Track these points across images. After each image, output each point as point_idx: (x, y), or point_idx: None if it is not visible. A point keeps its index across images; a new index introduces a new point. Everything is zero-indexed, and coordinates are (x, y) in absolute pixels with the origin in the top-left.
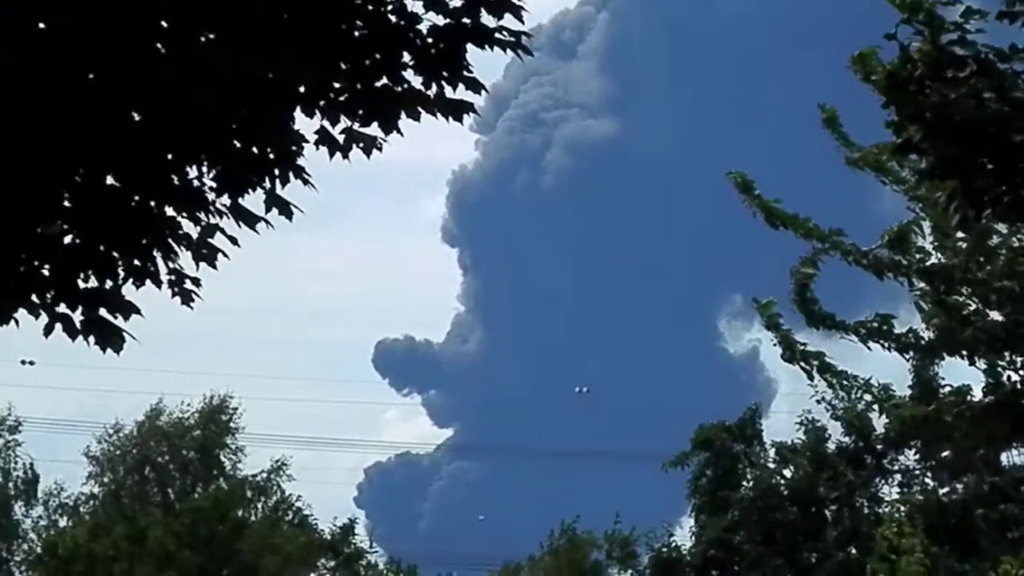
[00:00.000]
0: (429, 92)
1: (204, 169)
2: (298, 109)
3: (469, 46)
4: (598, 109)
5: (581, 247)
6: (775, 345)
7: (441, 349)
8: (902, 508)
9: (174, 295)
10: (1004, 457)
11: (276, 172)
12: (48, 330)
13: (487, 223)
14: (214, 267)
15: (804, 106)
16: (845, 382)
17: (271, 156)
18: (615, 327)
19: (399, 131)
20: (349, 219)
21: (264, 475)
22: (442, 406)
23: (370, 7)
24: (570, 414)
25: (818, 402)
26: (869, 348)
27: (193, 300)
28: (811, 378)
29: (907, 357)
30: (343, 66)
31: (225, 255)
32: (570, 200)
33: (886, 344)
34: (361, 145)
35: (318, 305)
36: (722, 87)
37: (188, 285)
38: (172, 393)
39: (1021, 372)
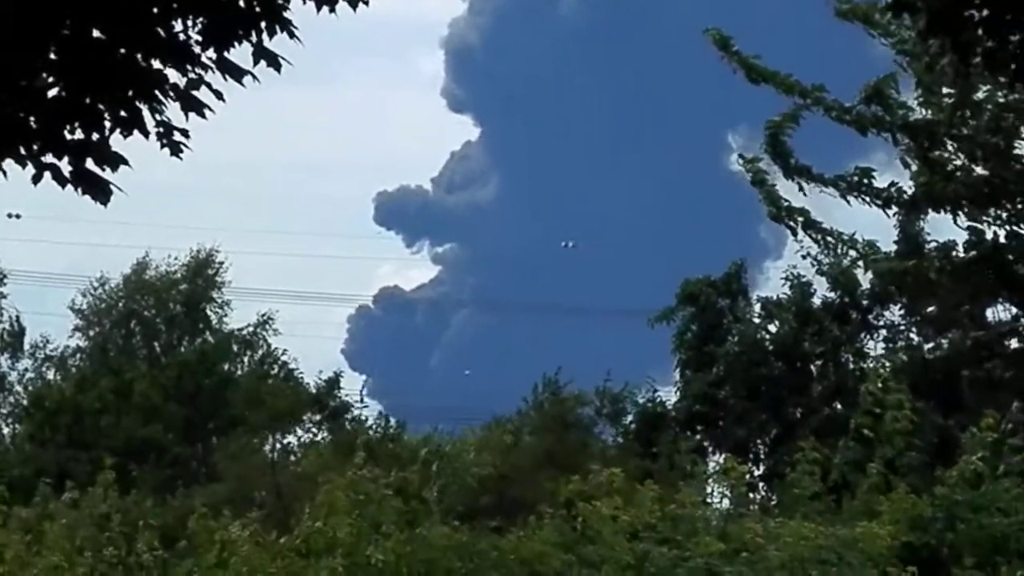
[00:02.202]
0: None
1: (190, 22)
2: None
3: None
4: None
5: (586, 98)
6: (760, 203)
7: (440, 199)
8: (887, 364)
9: (163, 146)
10: (989, 312)
11: (263, 25)
12: (36, 179)
13: (487, 76)
14: (203, 117)
15: None
16: (830, 238)
17: (257, 9)
18: (623, 179)
19: None
20: (343, 77)
21: (251, 329)
22: (441, 258)
23: None
24: (568, 268)
25: (803, 257)
26: (848, 202)
27: (182, 151)
28: (795, 235)
29: (889, 213)
30: None
31: (211, 109)
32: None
33: (867, 199)
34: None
35: (313, 159)
36: None
37: (176, 136)
38: (162, 247)
39: (1004, 227)
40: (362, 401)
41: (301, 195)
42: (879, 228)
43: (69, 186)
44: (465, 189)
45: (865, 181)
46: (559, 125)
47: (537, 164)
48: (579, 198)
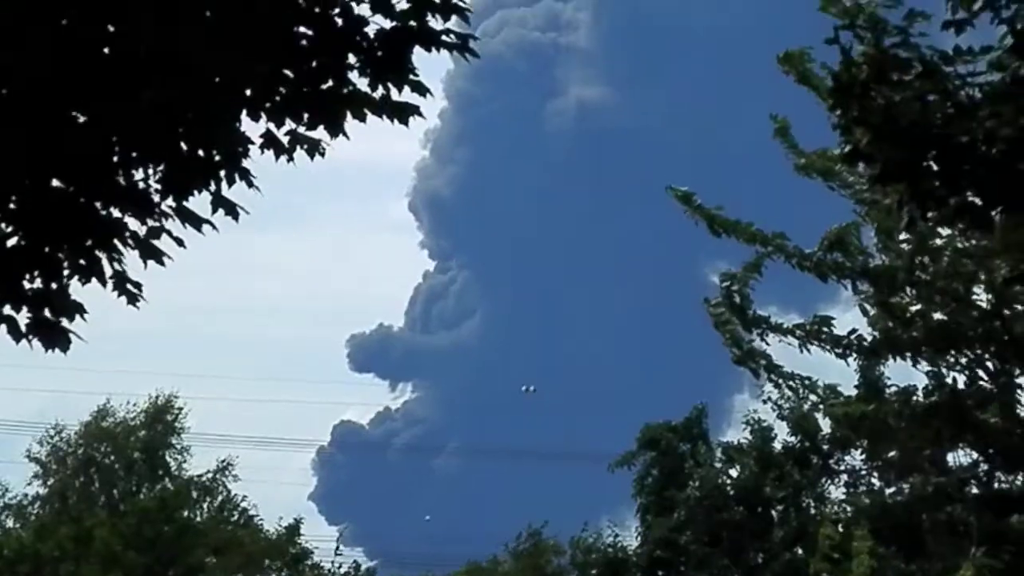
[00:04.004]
0: (375, 94)
1: (150, 171)
2: (244, 112)
3: (416, 48)
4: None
5: (541, 240)
6: (724, 345)
7: (409, 341)
8: (848, 509)
9: (120, 295)
10: (950, 457)
11: (222, 174)
12: None
13: (457, 219)
14: (162, 264)
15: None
16: (791, 383)
17: (217, 158)
18: (589, 318)
19: (345, 134)
20: (311, 221)
21: (210, 475)
22: (409, 401)
23: (316, 9)
24: (533, 410)
25: (764, 402)
26: (808, 351)
27: (138, 300)
28: (757, 377)
29: (848, 361)
30: (289, 69)
31: (170, 257)
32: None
33: (826, 347)
34: (306, 147)
35: (278, 303)
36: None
37: (131, 287)
38: (125, 392)
39: (964, 372)
40: (338, 551)
41: (263, 339)
42: (841, 370)
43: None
44: (434, 332)
45: (824, 329)
46: (532, 266)
47: (508, 305)
48: (551, 339)
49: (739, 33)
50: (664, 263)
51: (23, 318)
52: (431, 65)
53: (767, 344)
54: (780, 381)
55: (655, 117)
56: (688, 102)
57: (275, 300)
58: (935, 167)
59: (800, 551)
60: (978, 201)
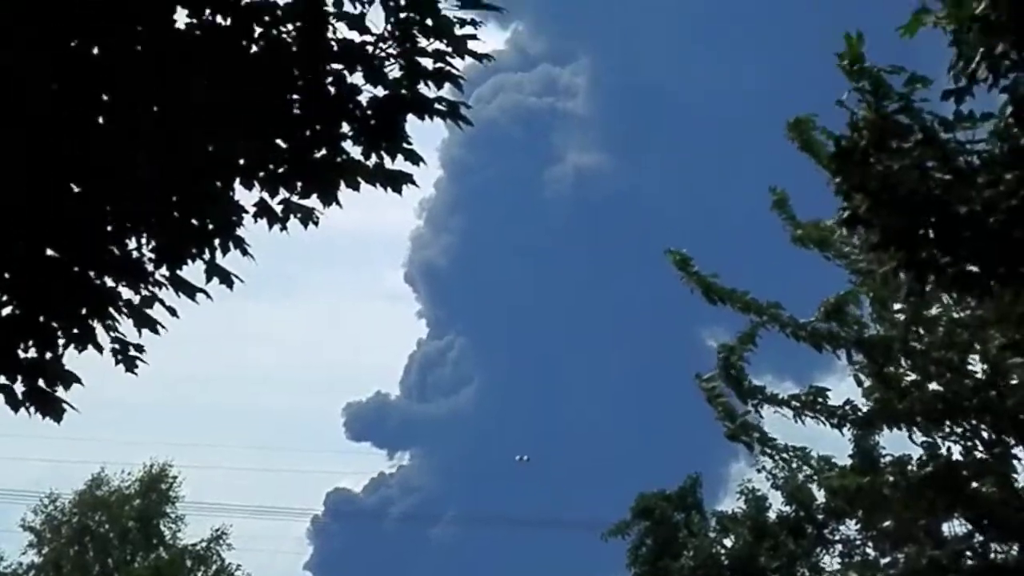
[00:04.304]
0: (368, 163)
1: (144, 241)
2: (237, 181)
3: (409, 116)
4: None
5: (536, 307)
6: (717, 419)
7: (406, 409)
8: None
9: (117, 363)
10: (945, 527)
11: (216, 243)
12: None
13: (452, 287)
14: (156, 333)
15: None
16: (785, 455)
17: (210, 228)
18: (586, 385)
19: (338, 203)
20: (306, 288)
21: (204, 544)
22: (405, 469)
23: (309, 78)
24: (530, 478)
25: (758, 471)
26: (803, 422)
27: (137, 366)
28: (751, 451)
29: (843, 431)
30: (282, 138)
31: (163, 326)
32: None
33: (821, 418)
34: (299, 216)
35: (272, 371)
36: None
37: (131, 352)
38: (120, 462)
39: (959, 443)
40: None
41: (256, 408)
42: (836, 439)
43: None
44: (431, 400)
45: (819, 400)
46: (529, 333)
47: (504, 372)
48: (548, 406)
49: (737, 99)
50: (661, 329)
51: (18, 388)
52: (426, 133)
53: (761, 416)
54: (774, 453)
55: (653, 183)
56: (686, 168)
57: (269, 369)
58: (933, 235)
59: None
60: (976, 270)
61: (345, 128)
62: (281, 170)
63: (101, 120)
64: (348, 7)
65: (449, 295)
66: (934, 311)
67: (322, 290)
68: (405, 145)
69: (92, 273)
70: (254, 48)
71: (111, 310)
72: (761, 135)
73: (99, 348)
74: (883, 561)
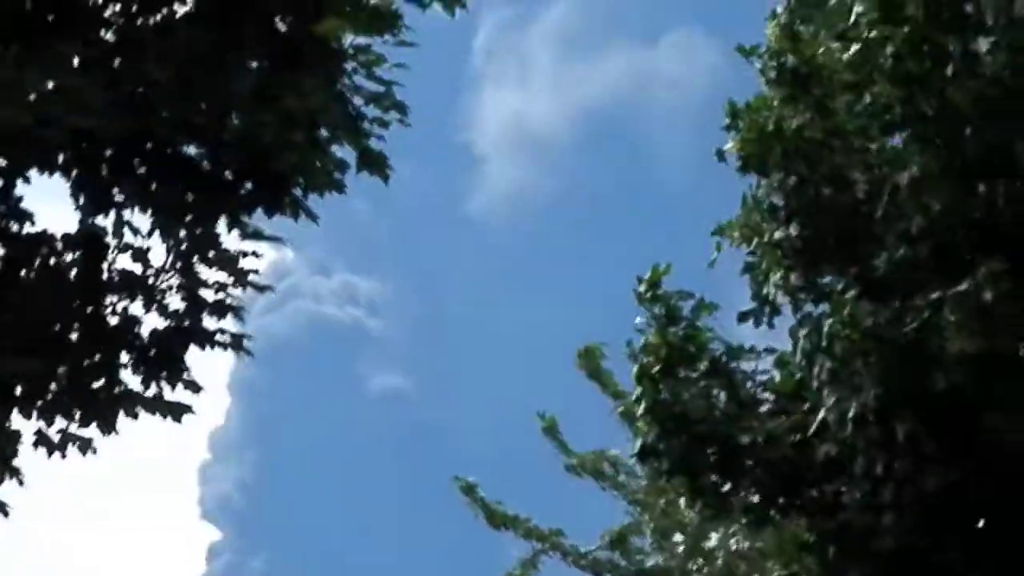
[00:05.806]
0: (148, 393)
1: None
2: (15, 410)
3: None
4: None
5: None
6: None
7: None
8: None
9: None
10: None
11: None
12: None
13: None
14: None
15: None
16: None
17: None
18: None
19: (116, 431)
20: (103, 515)
21: None
22: None
23: (89, 309)
24: None
25: None
26: None
27: None
28: None
29: None
30: (60, 366)
31: None
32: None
33: None
34: (77, 445)
35: None
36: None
37: None
38: None
39: None
40: None
41: None
42: None
43: None
44: None
45: None
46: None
47: None
48: None
49: (538, 329)
50: (459, 551)
51: None
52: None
53: None
54: None
55: (453, 411)
56: (483, 397)
57: None
58: (715, 459)
59: None
60: (756, 499)
61: (124, 358)
62: (59, 399)
63: None
64: (130, 239)
65: (244, 527)
66: (713, 541)
67: (115, 516)
68: (185, 377)
69: None
70: (32, 275)
71: None
72: (560, 363)
73: None
74: None
